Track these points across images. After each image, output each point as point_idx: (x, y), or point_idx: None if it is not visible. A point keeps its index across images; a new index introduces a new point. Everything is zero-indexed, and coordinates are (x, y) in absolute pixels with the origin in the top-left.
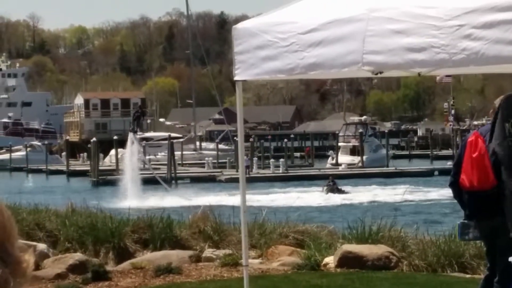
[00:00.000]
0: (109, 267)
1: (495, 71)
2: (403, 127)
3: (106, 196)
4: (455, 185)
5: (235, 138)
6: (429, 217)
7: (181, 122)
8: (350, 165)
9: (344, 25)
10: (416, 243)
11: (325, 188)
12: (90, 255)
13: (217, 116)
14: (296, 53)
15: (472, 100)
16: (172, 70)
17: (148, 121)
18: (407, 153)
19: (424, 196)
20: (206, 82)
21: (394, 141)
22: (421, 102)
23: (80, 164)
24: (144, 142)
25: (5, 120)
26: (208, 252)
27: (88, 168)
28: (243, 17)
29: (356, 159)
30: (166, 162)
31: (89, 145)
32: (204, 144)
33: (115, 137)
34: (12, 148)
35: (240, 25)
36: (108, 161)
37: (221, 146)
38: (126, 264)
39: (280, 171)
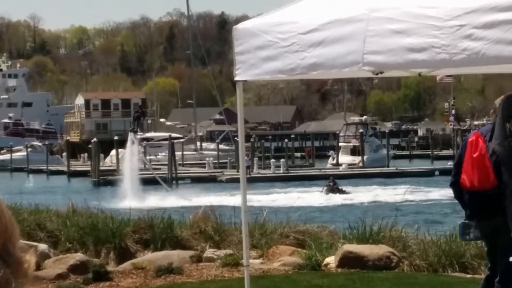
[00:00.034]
0: (110, 267)
1: (495, 71)
2: (403, 127)
3: (107, 196)
4: (455, 185)
5: (235, 138)
6: (429, 217)
7: (182, 122)
8: (350, 165)
9: (344, 25)
10: (417, 243)
11: (325, 188)
12: (91, 255)
13: (217, 116)
14: (297, 53)
15: (473, 100)
16: (173, 70)
17: (149, 121)
18: (408, 153)
19: (424, 196)
20: (207, 82)
21: (394, 141)
22: (421, 102)
23: (81, 164)
24: (145, 142)
25: (6, 120)
26: (209, 252)
27: (89, 168)
28: (244, 17)
29: (356, 159)
30: (166, 163)
31: (89, 146)
32: (204, 144)
33: (115, 138)
34: (13, 148)
35: (240, 26)
36: (108, 162)
37: (221, 146)
38: (127, 264)
39: (281, 171)
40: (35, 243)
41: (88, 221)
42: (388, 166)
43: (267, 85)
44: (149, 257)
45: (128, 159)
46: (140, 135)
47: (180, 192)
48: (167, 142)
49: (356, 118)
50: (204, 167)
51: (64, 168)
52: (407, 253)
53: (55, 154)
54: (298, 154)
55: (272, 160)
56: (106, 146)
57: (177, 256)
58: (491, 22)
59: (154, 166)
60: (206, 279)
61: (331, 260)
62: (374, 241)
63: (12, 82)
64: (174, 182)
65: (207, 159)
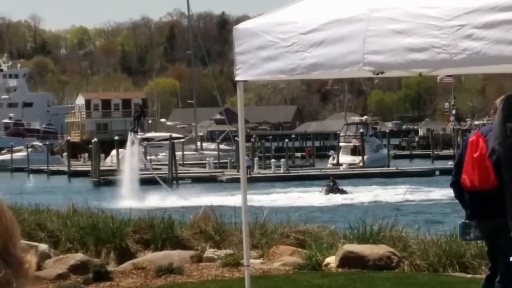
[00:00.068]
0: (111, 267)
1: (496, 71)
2: (404, 127)
3: (107, 196)
4: (456, 185)
5: (236, 138)
6: (430, 217)
7: (182, 122)
8: (351, 165)
9: (345, 25)
10: (417, 243)
11: (324, 188)
12: (91, 255)
13: (218, 117)
14: (297, 53)
15: (473, 100)
16: (173, 70)
17: (149, 121)
18: (408, 153)
19: (425, 196)
20: (207, 82)
21: (395, 141)
22: (422, 102)
23: (81, 164)
24: (145, 142)
25: (6, 120)
26: (210, 252)
27: (89, 168)
28: (244, 18)
29: (357, 159)
30: (167, 163)
31: (90, 146)
32: (205, 144)
33: (116, 138)
34: (13, 148)
35: (241, 26)
36: (109, 162)
37: (222, 146)
38: (127, 264)
39: (281, 171)
40: (36, 243)
41: (89, 221)
42: (388, 166)
43: (267, 85)
44: (149, 257)
45: (128, 159)
46: (140, 135)
47: (181, 192)
48: (167, 142)
49: (356, 118)
50: (205, 167)
51: (65, 168)
52: (407, 253)
53: (55, 154)
54: (298, 154)
55: (273, 160)
56: (106, 146)
57: (177, 256)
58: (491, 22)
59: (154, 166)
60: (207, 279)
61: (331, 260)
62: (375, 241)
63: (12, 82)
64: (174, 182)
65: (207, 159)
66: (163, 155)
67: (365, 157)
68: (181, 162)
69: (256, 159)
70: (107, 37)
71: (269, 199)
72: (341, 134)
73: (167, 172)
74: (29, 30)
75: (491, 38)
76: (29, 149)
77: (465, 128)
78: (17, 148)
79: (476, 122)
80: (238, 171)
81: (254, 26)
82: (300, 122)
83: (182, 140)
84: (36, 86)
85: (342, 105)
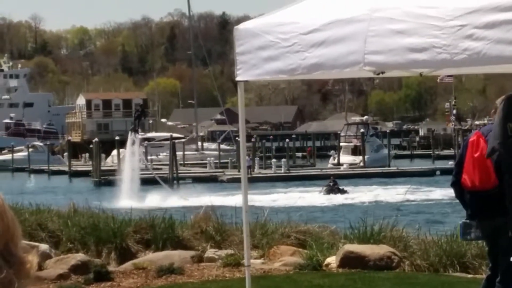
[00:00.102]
0: (111, 267)
1: (496, 71)
2: (404, 127)
3: (108, 196)
4: (457, 185)
5: (237, 138)
6: (430, 217)
7: (183, 122)
8: (351, 165)
9: (345, 26)
10: (418, 243)
11: (324, 188)
12: (92, 255)
13: (219, 117)
14: (298, 54)
15: (474, 100)
16: (174, 70)
17: (150, 121)
18: (409, 153)
19: (425, 196)
20: (208, 82)
21: (395, 141)
22: (422, 102)
23: (82, 164)
24: (146, 142)
25: (7, 120)
26: (210, 252)
27: (90, 168)
28: (245, 18)
29: (357, 159)
30: (168, 163)
31: (91, 146)
32: (206, 145)
33: (117, 138)
34: (14, 148)
35: (241, 26)
36: (110, 162)
37: (223, 146)
38: (128, 265)
39: (282, 171)
40: (37, 243)
41: (89, 221)
42: (389, 166)
43: (268, 85)
44: (150, 257)
45: (128, 159)
46: (141, 135)
47: (181, 192)
48: (168, 142)
49: (357, 118)
50: (205, 167)
51: (66, 168)
52: (408, 253)
53: (56, 154)
54: (299, 154)
55: (273, 160)
56: (107, 146)
57: (178, 256)
58: (492, 22)
59: (155, 166)
60: (207, 279)
61: (332, 260)
62: (375, 241)
63: (13, 83)
64: (175, 182)
65: (208, 159)
66: (164, 155)
67: (366, 157)
68: (182, 162)
69: (256, 159)
70: (107, 37)
71: (270, 199)
72: (342, 134)
73: (168, 172)
74: (30, 30)
75: (491, 38)
76: (30, 149)
77: (466, 128)
78: (18, 148)
79: (477, 122)
80: (239, 171)
81: (255, 27)
82: (301, 122)
83: (183, 140)
84: (37, 86)
85: (342, 105)
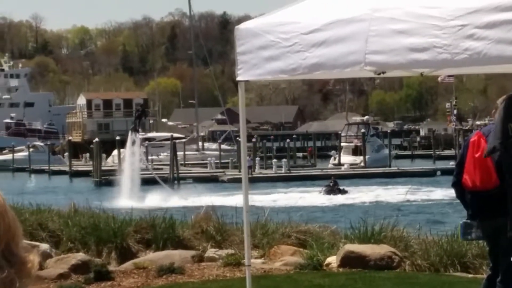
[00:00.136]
0: (112, 267)
1: (497, 71)
2: (405, 127)
3: (109, 196)
4: (457, 185)
5: (237, 138)
6: (431, 217)
7: (184, 122)
8: (352, 165)
9: (346, 25)
10: (418, 243)
11: (324, 189)
12: (92, 255)
13: (219, 117)
14: (299, 53)
15: (475, 100)
16: (175, 70)
17: (151, 121)
18: (410, 153)
19: (426, 196)
20: (209, 82)
21: (396, 141)
22: (423, 102)
23: (83, 164)
24: (147, 142)
25: (8, 120)
26: (211, 252)
27: (91, 168)
28: (246, 18)
29: (358, 159)
30: (168, 163)
31: (91, 146)
32: (206, 145)
33: (117, 138)
34: (15, 148)
35: (242, 26)
36: (110, 162)
37: (223, 146)
38: (128, 264)
39: (283, 171)
40: (37, 243)
41: (90, 221)
42: (390, 166)
43: (269, 85)
44: (150, 257)
45: (129, 159)
46: (142, 135)
47: (182, 192)
48: (169, 142)
49: (358, 118)
50: (206, 167)
51: (66, 168)
52: (408, 253)
53: (57, 154)
54: (300, 154)
55: (274, 160)
56: (108, 146)
57: (178, 256)
58: (493, 22)
59: (156, 166)
60: (208, 279)
61: (332, 260)
62: (376, 241)
63: (14, 82)
64: (176, 182)
65: (209, 159)
66: (164, 155)
67: (367, 157)
68: (182, 162)
69: (257, 159)
70: (108, 37)
71: (271, 199)
72: (343, 134)
73: (168, 172)
74: (31, 30)
75: (492, 38)
76: (31, 149)
77: (467, 128)
78: (18, 148)
79: (478, 122)
80: (240, 171)
81: (256, 26)
82: (302, 122)
83: (184, 140)
84: (38, 86)
85: (343, 105)
